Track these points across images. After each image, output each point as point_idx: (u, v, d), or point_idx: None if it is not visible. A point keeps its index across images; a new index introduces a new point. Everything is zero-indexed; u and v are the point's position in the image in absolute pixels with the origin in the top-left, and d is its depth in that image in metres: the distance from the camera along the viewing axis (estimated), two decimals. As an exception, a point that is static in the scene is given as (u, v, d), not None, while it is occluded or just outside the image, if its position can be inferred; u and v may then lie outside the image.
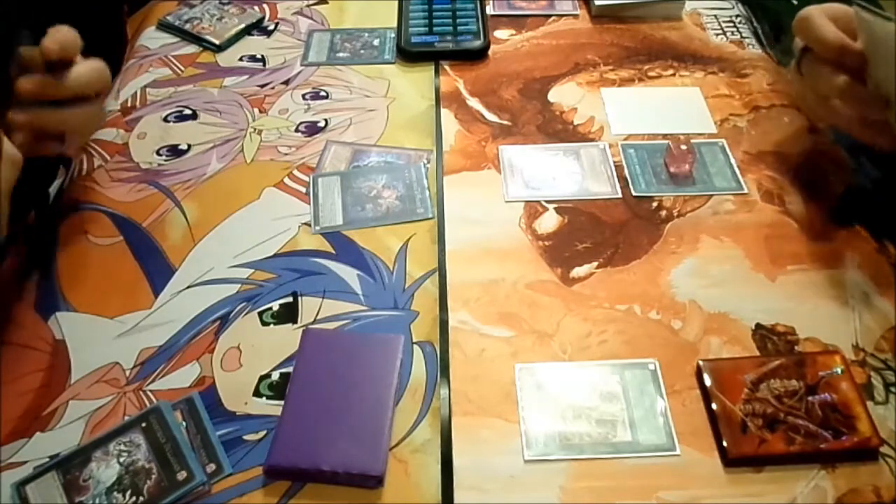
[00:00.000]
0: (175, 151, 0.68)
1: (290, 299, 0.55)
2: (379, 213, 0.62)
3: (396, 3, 0.83)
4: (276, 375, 0.51)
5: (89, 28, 0.64)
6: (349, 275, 0.57)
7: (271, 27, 0.82)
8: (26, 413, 0.49)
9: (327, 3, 0.86)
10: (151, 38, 0.81)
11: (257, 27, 0.82)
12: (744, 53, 0.77)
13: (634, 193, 0.63)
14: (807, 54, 0.58)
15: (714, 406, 0.48)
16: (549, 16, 0.83)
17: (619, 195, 0.63)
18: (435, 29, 0.79)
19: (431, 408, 0.49)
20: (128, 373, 0.51)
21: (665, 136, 0.67)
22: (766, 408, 0.47)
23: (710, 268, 0.57)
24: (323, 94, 0.73)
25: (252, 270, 0.57)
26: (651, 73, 0.75)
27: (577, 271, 0.57)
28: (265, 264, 0.58)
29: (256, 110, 0.72)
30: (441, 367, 0.51)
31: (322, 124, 0.70)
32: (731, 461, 0.46)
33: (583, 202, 0.62)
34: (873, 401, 0.49)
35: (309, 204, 0.62)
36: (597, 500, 0.44)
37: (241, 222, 0.61)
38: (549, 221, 0.61)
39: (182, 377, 0.51)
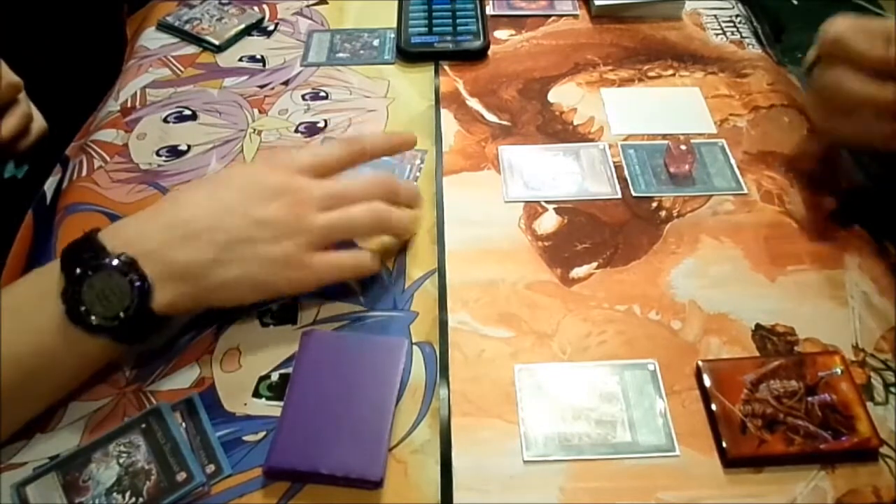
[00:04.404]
0: (175, 152, 0.67)
1: (290, 300, 0.55)
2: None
3: (396, 3, 0.83)
4: (275, 377, 0.51)
5: (88, 29, 0.64)
6: (349, 275, 0.57)
7: (271, 28, 0.82)
8: (26, 414, 0.49)
9: (327, 3, 0.85)
10: (151, 39, 0.80)
11: (257, 28, 0.82)
12: (744, 53, 0.77)
13: (634, 194, 0.63)
14: (824, 67, 0.55)
15: (714, 407, 0.48)
16: (549, 16, 0.83)
17: (619, 195, 0.63)
18: (435, 29, 0.79)
19: (431, 408, 0.49)
20: (127, 374, 0.51)
21: (665, 136, 0.67)
22: (766, 408, 0.47)
23: (710, 268, 0.57)
24: (323, 94, 0.73)
25: (252, 271, 0.57)
26: (651, 74, 0.75)
27: (577, 272, 0.57)
28: (265, 265, 0.58)
29: (256, 111, 0.72)
30: (440, 368, 0.51)
31: (322, 125, 0.70)
32: (731, 462, 0.45)
33: (582, 202, 0.62)
34: (873, 401, 0.49)
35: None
36: (596, 501, 0.44)
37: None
38: (549, 222, 0.61)
39: (182, 378, 0.51)
